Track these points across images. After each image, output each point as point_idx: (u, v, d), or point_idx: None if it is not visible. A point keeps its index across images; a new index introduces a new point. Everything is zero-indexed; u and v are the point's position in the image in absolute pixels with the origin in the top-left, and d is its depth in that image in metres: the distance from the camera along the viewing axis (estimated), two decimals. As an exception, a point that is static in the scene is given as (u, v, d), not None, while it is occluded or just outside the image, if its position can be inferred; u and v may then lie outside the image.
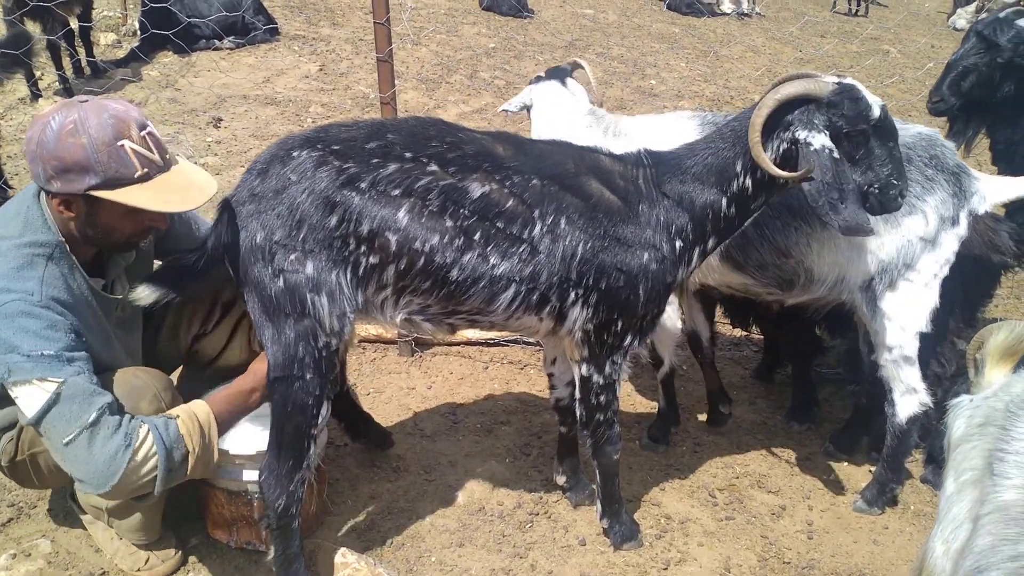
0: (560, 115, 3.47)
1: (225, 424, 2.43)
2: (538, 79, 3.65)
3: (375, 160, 2.32)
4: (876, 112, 2.41)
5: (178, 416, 2.27)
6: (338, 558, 2.67)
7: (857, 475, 3.46)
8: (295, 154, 2.32)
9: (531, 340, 4.17)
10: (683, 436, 3.68)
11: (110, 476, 2.11)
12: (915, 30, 12.22)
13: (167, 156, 2.30)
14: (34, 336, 2.11)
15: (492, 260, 2.39)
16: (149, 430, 2.17)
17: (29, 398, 2.10)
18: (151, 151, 2.23)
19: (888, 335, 2.94)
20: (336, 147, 2.33)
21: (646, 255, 2.51)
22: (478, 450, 3.47)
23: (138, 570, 2.67)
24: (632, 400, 3.93)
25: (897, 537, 3.10)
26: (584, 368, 2.67)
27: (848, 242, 2.91)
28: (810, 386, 3.85)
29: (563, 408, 3.05)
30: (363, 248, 2.32)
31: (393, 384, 3.94)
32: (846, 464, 3.53)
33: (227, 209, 2.35)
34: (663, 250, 2.53)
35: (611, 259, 2.48)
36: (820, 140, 2.38)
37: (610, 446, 2.80)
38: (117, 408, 2.18)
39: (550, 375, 3.07)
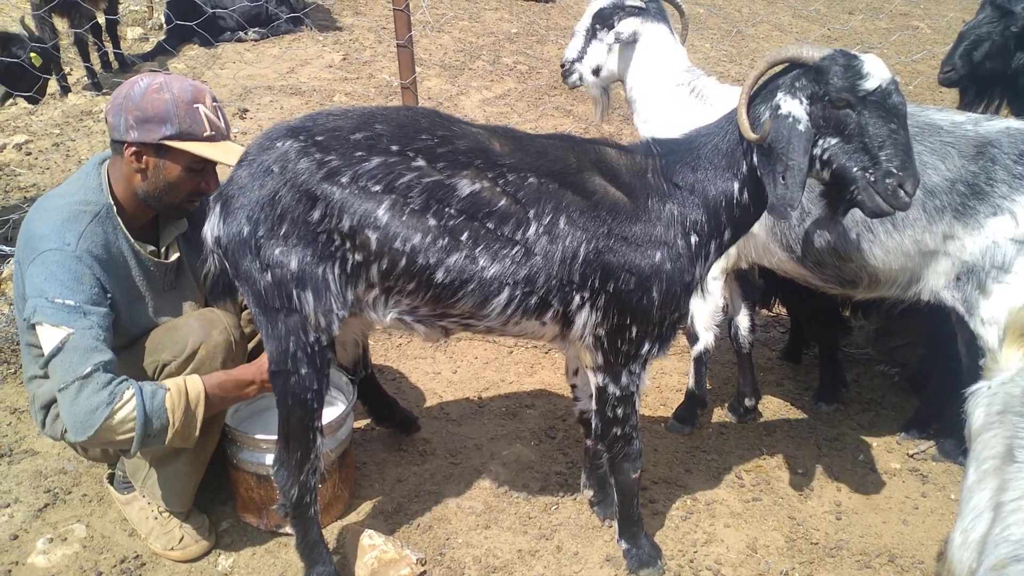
0: (662, 63, 3.30)
1: (215, 406, 2.48)
2: (641, 12, 3.32)
3: (358, 153, 2.22)
4: (869, 84, 2.14)
5: (168, 388, 2.37)
6: (365, 540, 2.70)
7: (887, 456, 3.44)
8: (278, 144, 2.25)
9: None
10: (709, 417, 3.67)
11: (87, 428, 2.27)
12: (945, 4, 11.94)
13: (228, 131, 2.62)
14: (60, 285, 2.34)
15: (481, 262, 2.26)
16: (134, 395, 2.30)
17: (47, 338, 2.31)
18: (218, 119, 2.57)
19: (990, 340, 2.81)
20: (320, 138, 2.24)
21: (658, 254, 2.35)
22: (503, 433, 3.49)
23: (171, 549, 2.73)
24: (658, 382, 3.93)
25: (927, 517, 3.07)
26: (599, 377, 2.53)
27: (917, 247, 2.83)
28: (838, 366, 3.82)
29: (588, 421, 2.88)
30: (347, 244, 2.24)
31: (419, 369, 3.96)
32: (875, 445, 3.50)
33: (218, 201, 2.32)
34: (677, 247, 2.38)
35: (618, 260, 2.33)
36: (790, 106, 2.21)
37: (628, 463, 2.65)
38: (112, 368, 2.33)
39: (573, 386, 2.96)
